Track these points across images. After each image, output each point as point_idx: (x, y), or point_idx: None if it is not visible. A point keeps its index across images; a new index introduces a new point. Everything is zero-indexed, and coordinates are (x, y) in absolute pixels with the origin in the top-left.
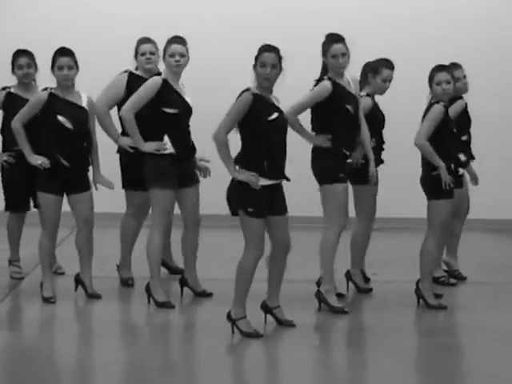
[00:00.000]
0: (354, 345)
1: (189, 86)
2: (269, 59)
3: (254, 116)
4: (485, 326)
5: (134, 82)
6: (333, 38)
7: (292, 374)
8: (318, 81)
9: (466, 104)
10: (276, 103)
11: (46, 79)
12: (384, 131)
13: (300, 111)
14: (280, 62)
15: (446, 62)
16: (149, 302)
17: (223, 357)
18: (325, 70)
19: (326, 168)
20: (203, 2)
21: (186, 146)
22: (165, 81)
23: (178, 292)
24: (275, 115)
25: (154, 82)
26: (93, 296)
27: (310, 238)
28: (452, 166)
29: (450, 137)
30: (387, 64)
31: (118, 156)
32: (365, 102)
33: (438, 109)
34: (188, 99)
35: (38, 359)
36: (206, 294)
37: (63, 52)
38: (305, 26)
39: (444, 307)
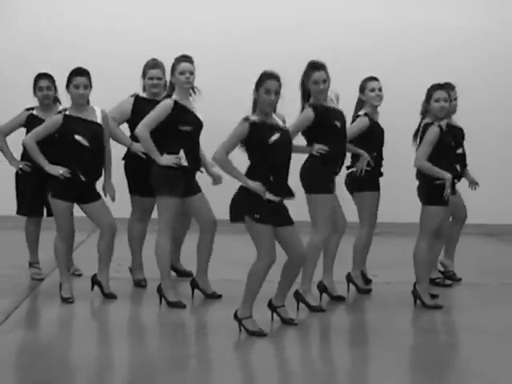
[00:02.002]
0: (354, 342)
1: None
2: (273, 86)
3: (254, 141)
4: (478, 325)
5: (140, 104)
6: (314, 65)
7: (296, 370)
8: (303, 108)
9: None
10: (279, 123)
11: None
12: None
13: None
14: (280, 88)
15: (441, 78)
16: (160, 302)
17: (230, 354)
18: (307, 97)
19: (317, 179)
20: (211, 17)
21: (196, 159)
22: (176, 102)
23: (188, 294)
24: (276, 136)
25: (165, 106)
26: (109, 296)
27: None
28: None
29: (449, 151)
30: (368, 78)
31: (122, 163)
32: (361, 121)
33: (433, 131)
34: (199, 115)
35: (56, 357)
36: (215, 296)
37: (80, 72)
38: (301, 42)
39: (440, 307)
